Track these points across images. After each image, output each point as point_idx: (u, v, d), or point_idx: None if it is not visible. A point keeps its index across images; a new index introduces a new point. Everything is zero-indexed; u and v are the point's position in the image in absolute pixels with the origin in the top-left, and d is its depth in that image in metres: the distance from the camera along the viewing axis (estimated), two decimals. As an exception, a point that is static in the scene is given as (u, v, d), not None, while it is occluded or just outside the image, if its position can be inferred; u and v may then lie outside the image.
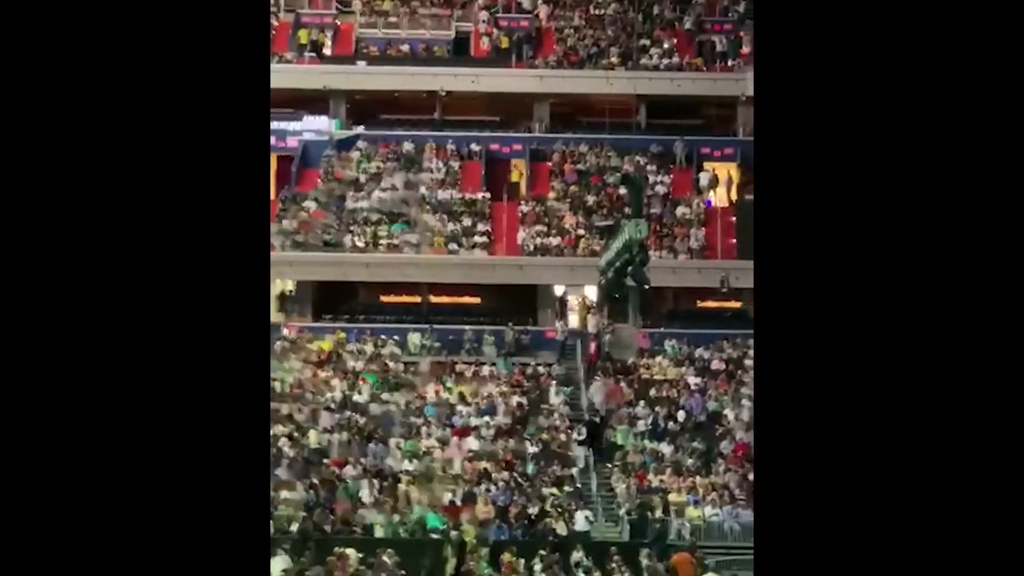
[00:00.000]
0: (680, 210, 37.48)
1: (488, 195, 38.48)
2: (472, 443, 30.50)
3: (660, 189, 38.19)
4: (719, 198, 38.77)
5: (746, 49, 39.64)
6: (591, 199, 37.93)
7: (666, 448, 30.80)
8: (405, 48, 42.55)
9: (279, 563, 22.45)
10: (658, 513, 27.42)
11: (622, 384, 33.40)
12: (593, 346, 35.11)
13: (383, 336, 35.15)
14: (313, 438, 30.13)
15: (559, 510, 26.96)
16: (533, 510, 26.98)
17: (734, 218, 37.71)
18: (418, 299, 36.94)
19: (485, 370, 34.25)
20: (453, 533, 25.31)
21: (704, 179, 39.03)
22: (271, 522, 26.00)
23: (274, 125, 40.94)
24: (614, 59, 40.82)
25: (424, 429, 30.85)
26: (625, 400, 32.79)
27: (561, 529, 26.11)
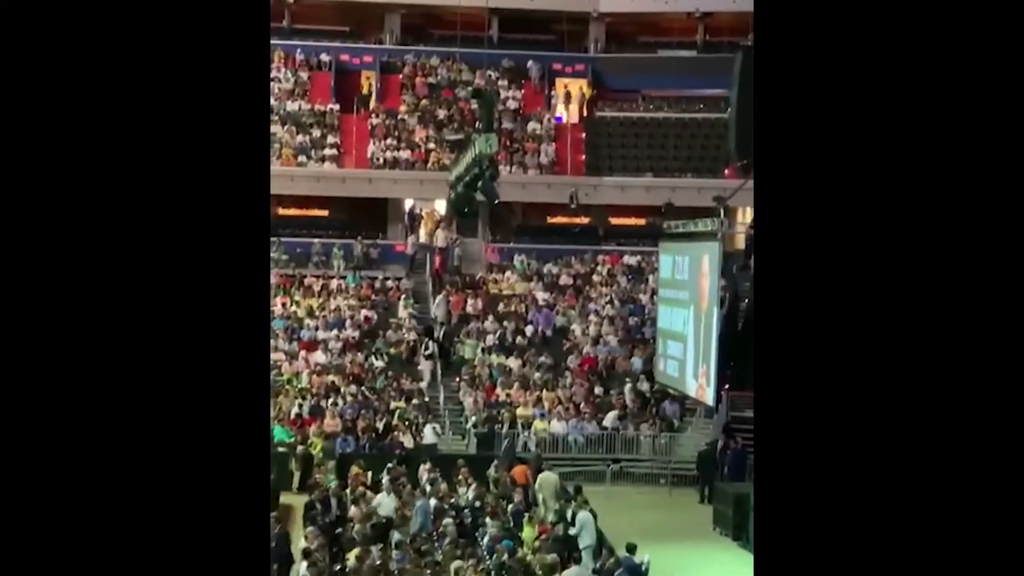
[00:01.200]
0: (531, 126, 37.53)
1: (337, 107, 37.97)
2: (320, 357, 30.39)
3: (511, 104, 38.15)
4: (570, 114, 38.90)
5: (598, -35, 39.63)
6: (442, 113, 37.70)
7: (514, 362, 31.13)
8: (252, -47, 41.45)
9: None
10: (505, 427, 27.82)
11: (463, 297, 33.54)
12: (439, 260, 35.16)
13: (229, 248, 34.62)
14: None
15: (407, 423, 27.11)
16: (381, 424, 27.08)
17: (584, 134, 37.93)
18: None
19: (334, 284, 34.06)
20: (299, 447, 25.29)
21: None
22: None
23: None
24: (466, -29, 40.44)
25: (272, 343, 30.61)
26: (462, 312, 32.95)
27: (408, 442, 26.28)
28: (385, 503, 19.79)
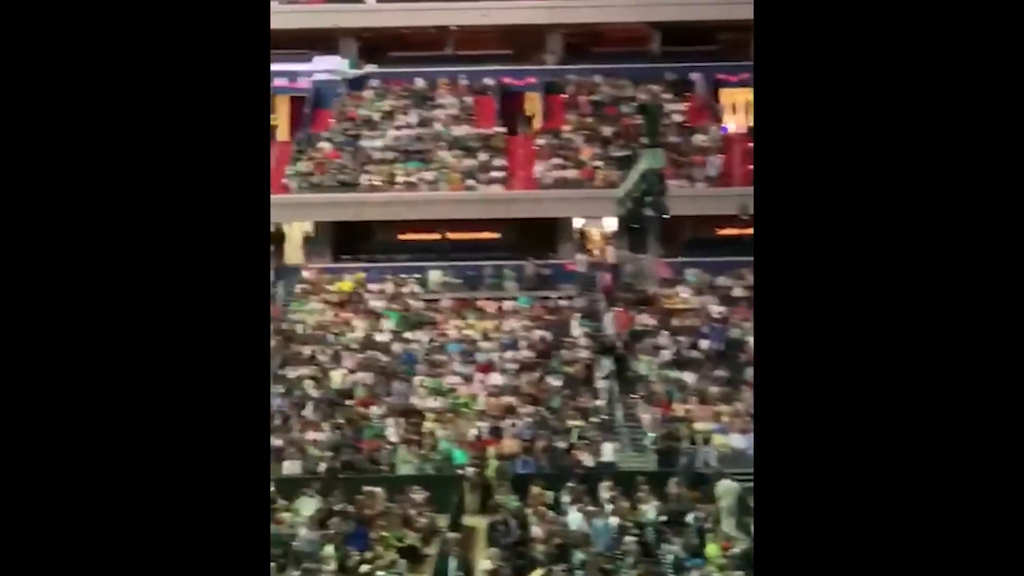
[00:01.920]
0: (697, 138, 37.19)
1: (503, 129, 38.25)
2: (496, 378, 30.55)
3: (676, 117, 37.88)
4: (737, 124, 38.43)
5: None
6: (607, 130, 37.64)
7: (689, 377, 30.78)
8: (413, -16, 42.20)
9: (309, 504, 22.62)
10: (684, 442, 27.50)
11: (631, 313, 33.28)
12: (610, 277, 35.03)
13: (403, 275, 35.12)
14: (337, 379, 30.24)
15: (585, 442, 27.02)
16: (560, 443, 27.05)
17: (751, 144, 37.41)
18: (437, 236, 36.82)
19: (506, 305, 34.22)
20: (471, 470, 25.39)
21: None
22: (303, 461, 26.18)
23: (286, 66, 40.79)
24: (626, -13, 40.38)
25: (448, 366, 30.91)
26: (632, 328, 32.69)
27: (588, 460, 26.18)
28: (567, 522, 19.74)
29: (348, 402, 29.19)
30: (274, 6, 41.09)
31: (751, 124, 38.19)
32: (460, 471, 25.33)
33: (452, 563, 18.34)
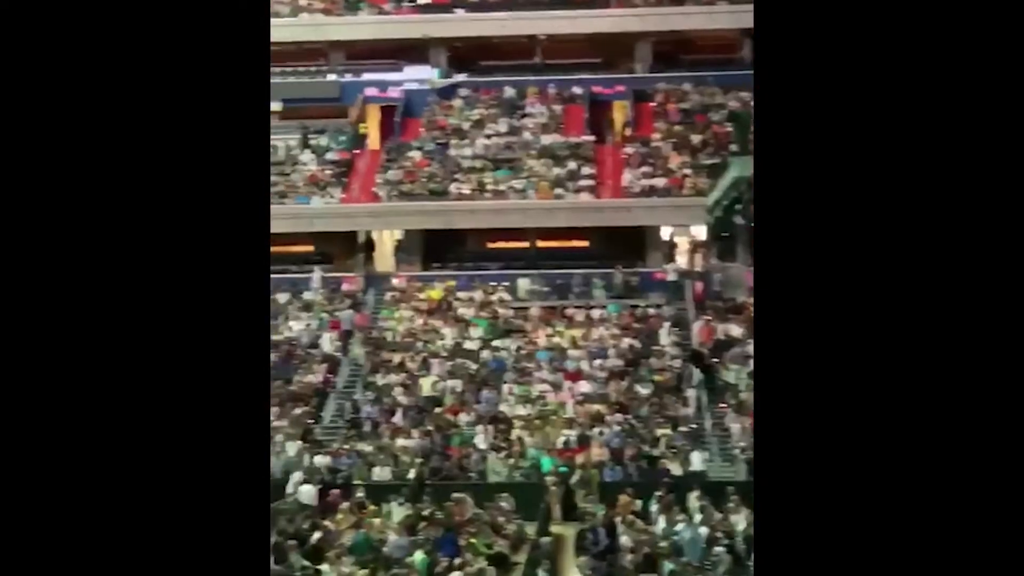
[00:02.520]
0: (788, 145, 36.81)
1: (592, 138, 38.25)
2: (584, 386, 30.53)
3: (766, 125, 37.55)
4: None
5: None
6: (696, 138, 37.48)
7: (780, 386, 30.42)
8: (503, -7, 42.40)
9: (398, 511, 22.80)
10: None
11: (713, 325, 33.02)
12: (699, 285, 34.82)
13: (492, 283, 35.25)
14: (426, 386, 30.44)
15: (674, 451, 26.91)
16: (651, 451, 26.95)
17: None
18: (526, 244, 36.94)
19: (595, 313, 34.20)
20: (550, 479, 25.35)
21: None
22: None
23: (376, 76, 41.24)
24: (715, -6, 40.22)
25: (536, 374, 30.97)
26: (725, 337, 32.44)
27: (677, 469, 26.07)
28: (655, 532, 19.68)
29: (437, 409, 29.37)
30: (364, 16, 41.57)
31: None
32: (549, 478, 25.33)
33: (542, 572, 18.35)
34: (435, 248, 37.68)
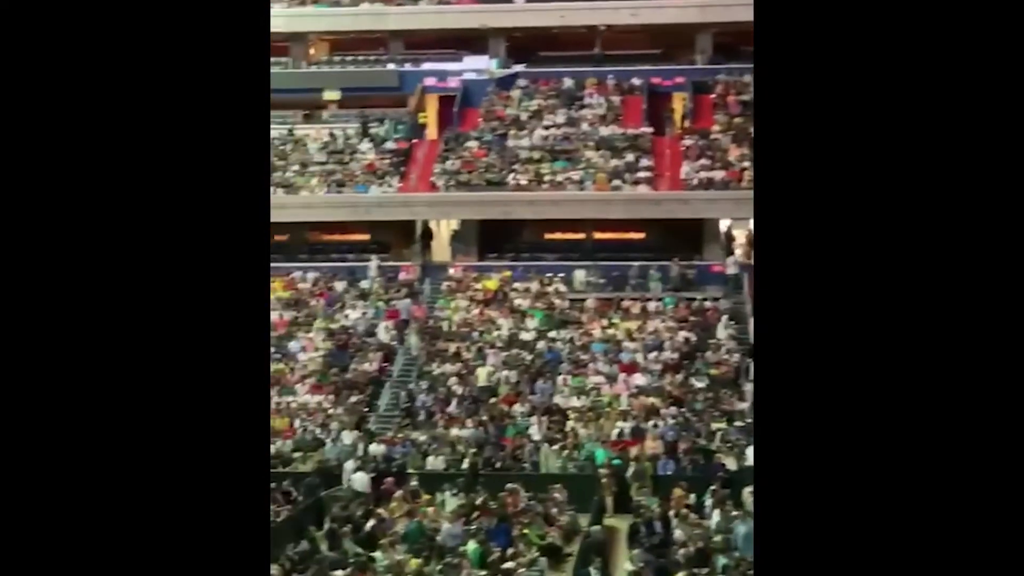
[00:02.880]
0: (849, 139, 36.49)
1: (651, 129, 38.09)
2: (639, 379, 30.44)
3: (827, 118, 37.25)
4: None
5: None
6: (756, 130, 37.19)
7: (837, 382, 30.20)
8: (563, -17, 42.25)
9: (452, 501, 22.88)
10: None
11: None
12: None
13: (548, 274, 35.22)
14: (482, 376, 30.49)
15: (729, 445, 26.77)
16: (707, 445, 26.80)
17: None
18: (582, 236, 36.84)
19: (651, 306, 34.07)
20: (603, 471, 25.31)
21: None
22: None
23: (435, 66, 41.29)
24: (778, -15, 39.85)
25: (591, 365, 30.92)
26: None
27: (731, 464, 25.93)
28: (708, 526, 19.58)
29: (492, 399, 29.41)
30: (424, 6, 41.63)
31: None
32: (603, 470, 25.31)
33: (595, 563, 18.34)
34: (491, 238, 37.68)
